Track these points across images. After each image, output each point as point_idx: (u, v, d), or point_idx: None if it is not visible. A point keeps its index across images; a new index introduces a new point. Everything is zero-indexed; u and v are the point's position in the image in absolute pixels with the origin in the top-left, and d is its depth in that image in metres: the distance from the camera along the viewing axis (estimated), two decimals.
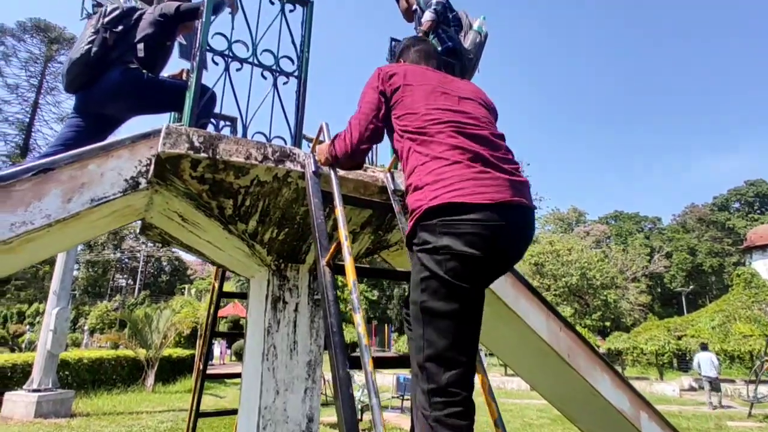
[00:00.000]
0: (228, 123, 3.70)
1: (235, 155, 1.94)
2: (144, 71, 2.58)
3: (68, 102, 22.15)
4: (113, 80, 2.51)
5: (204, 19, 2.10)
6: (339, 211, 1.71)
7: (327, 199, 1.93)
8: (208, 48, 2.10)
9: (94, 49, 2.48)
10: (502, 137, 1.58)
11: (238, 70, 2.20)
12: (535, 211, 1.52)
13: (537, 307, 3.42)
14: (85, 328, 30.35)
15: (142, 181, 2.18)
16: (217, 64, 2.14)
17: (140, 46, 2.60)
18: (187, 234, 2.82)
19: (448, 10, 3.20)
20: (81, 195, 2.07)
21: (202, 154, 1.89)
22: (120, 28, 2.58)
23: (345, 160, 1.79)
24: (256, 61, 2.21)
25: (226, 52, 2.17)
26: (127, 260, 40.71)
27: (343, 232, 1.62)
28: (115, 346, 17.75)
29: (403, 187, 2.29)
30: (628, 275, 40.75)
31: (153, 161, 2.00)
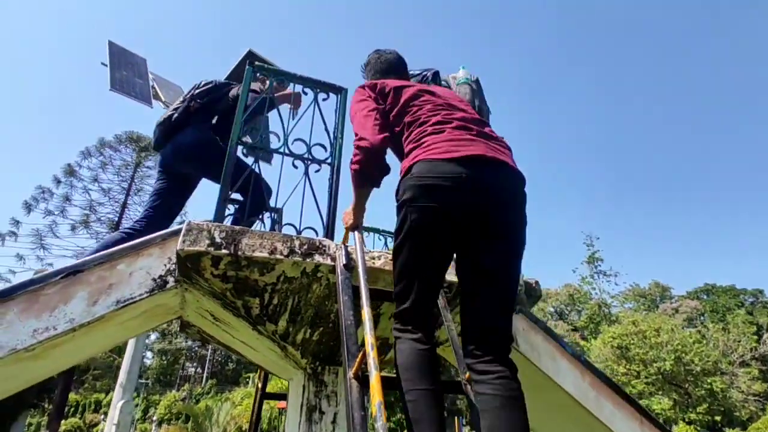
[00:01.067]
0: (274, 215, 3.68)
1: (258, 250, 1.79)
2: (215, 137, 2.71)
3: None
4: (185, 138, 2.73)
5: (237, 115, 2.09)
6: (366, 313, 1.44)
7: (356, 293, 1.69)
8: (239, 142, 2.05)
9: (176, 115, 2.75)
10: (486, 123, 1.71)
11: (269, 161, 2.13)
12: (522, 177, 1.56)
13: (626, 411, 2.84)
14: (154, 418, 30.60)
15: (170, 279, 2.07)
16: (246, 155, 2.08)
17: (216, 117, 2.86)
18: (222, 333, 2.65)
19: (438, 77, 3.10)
20: (107, 297, 1.98)
21: (224, 251, 1.74)
22: (206, 98, 2.83)
23: (370, 167, 1.66)
24: (287, 151, 2.13)
25: (257, 145, 2.11)
26: (196, 348, 41.80)
27: (369, 339, 1.34)
28: None
29: (448, 278, 2.01)
30: (734, 359, 35.43)
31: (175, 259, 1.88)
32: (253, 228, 2.75)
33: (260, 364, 3.00)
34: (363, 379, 1.37)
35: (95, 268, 2.00)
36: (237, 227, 1.81)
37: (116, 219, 23.72)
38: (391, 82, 1.81)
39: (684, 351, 29.71)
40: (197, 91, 2.87)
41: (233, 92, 2.85)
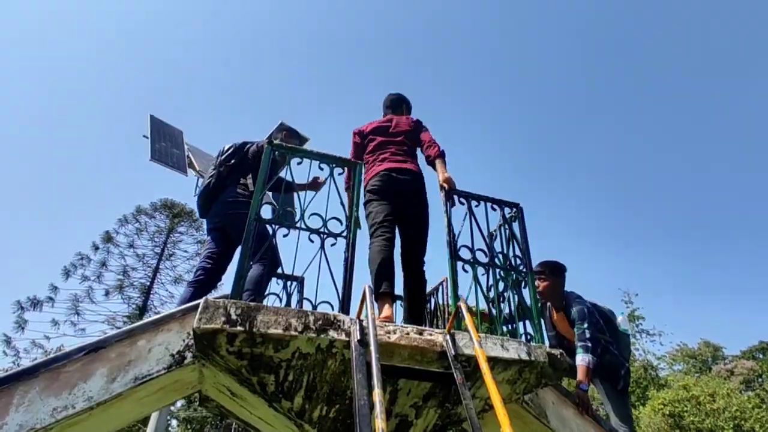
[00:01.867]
0: (296, 282, 3.71)
1: (273, 327, 1.79)
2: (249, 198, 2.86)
3: (183, 265, 24.74)
4: (226, 196, 2.97)
5: (255, 194, 2.19)
6: (377, 395, 1.40)
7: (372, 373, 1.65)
8: (256, 218, 2.13)
9: (213, 182, 3.01)
10: (407, 151, 3.15)
11: (285, 236, 2.19)
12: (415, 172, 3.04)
13: None
14: None
15: (188, 355, 2.09)
16: (265, 233, 2.15)
17: (243, 177, 3.10)
18: (239, 408, 2.60)
19: (597, 315, 3.34)
20: (125, 374, 2.00)
21: (239, 328, 1.76)
22: (232, 161, 3.07)
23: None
24: (303, 226, 2.19)
25: (275, 220, 2.18)
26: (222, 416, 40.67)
27: (379, 424, 1.30)
28: None
29: (467, 351, 1.95)
30: None
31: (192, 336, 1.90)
32: (266, 292, 2.79)
33: None
34: None
35: (116, 345, 2.04)
36: (252, 304, 1.83)
37: (148, 284, 24.29)
38: (368, 129, 3.29)
39: (743, 417, 26.96)
40: (223, 156, 3.13)
41: (252, 150, 3.13)
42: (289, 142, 3.37)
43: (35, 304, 21.35)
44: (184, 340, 2.11)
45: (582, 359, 2.84)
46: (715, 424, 28.23)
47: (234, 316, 1.78)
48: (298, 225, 2.19)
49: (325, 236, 2.21)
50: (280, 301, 3.29)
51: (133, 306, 23.30)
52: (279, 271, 2.98)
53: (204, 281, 2.70)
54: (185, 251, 25.90)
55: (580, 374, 2.79)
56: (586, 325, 3.00)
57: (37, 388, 1.85)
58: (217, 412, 3.00)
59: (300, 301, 3.45)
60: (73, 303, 21.89)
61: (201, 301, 1.83)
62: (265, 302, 2.71)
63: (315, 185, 3.48)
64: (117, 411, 2.19)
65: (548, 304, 3.47)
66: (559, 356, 2.20)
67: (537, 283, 3.34)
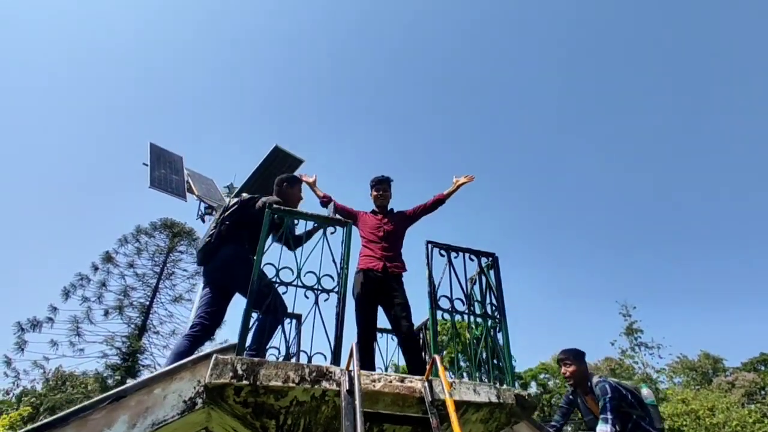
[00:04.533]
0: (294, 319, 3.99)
1: (274, 380, 2.08)
2: (250, 255, 3.09)
3: (182, 284, 24.88)
4: (225, 253, 3.17)
5: (258, 257, 2.49)
6: None
7: (364, 418, 1.94)
8: (258, 279, 2.43)
9: (212, 240, 3.22)
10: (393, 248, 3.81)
11: (284, 293, 2.48)
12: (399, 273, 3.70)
13: None
14: None
15: (199, 401, 2.37)
16: (266, 291, 2.44)
17: (248, 229, 3.26)
18: None
19: (624, 391, 3.63)
20: (144, 420, 2.27)
21: (244, 382, 2.05)
22: (235, 217, 3.29)
23: None
24: (300, 283, 2.50)
25: (275, 279, 2.48)
26: None
27: None
28: None
29: (442, 397, 2.24)
30: None
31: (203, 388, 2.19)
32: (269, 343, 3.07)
33: None
34: None
35: (135, 393, 2.32)
36: (256, 360, 2.12)
37: (147, 303, 24.43)
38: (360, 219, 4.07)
39: None
40: (227, 213, 3.34)
41: (258, 204, 3.34)
42: (289, 191, 3.63)
43: (35, 325, 21.43)
44: (194, 388, 2.40)
45: (600, 429, 3.17)
46: None
47: (240, 371, 2.07)
48: (294, 283, 2.49)
49: (319, 292, 2.51)
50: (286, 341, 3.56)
51: (133, 326, 23.45)
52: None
53: (199, 336, 2.93)
54: (185, 270, 26.01)
55: None
56: (607, 399, 3.31)
57: None
58: None
59: (297, 338, 3.73)
60: (73, 324, 21.99)
61: (213, 356, 2.12)
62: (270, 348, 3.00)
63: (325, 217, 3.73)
64: None
65: (578, 390, 3.78)
66: (527, 397, 2.49)
67: (563, 369, 3.73)
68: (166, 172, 10.58)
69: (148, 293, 24.52)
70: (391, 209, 4.15)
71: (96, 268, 23.95)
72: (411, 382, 2.29)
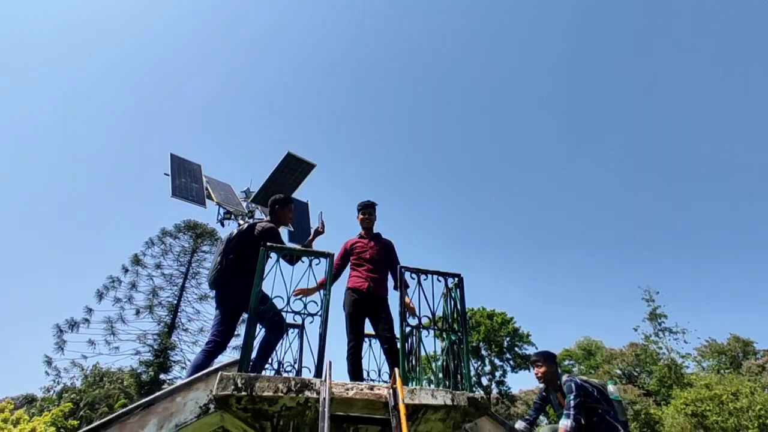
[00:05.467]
0: (296, 328, 4.57)
1: (266, 390, 2.65)
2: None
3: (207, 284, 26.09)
4: (235, 285, 3.70)
5: (254, 289, 3.05)
6: None
7: (337, 419, 2.49)
8: (255, 307, 2.99)
9: (220, 276, 3.77)
10: (378, 271, 4.30)
11: (280, 311, 3.03)
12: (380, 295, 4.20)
13: None
14: None
15: (212, 406, 2.96)
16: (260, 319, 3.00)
17: (248, 263, 3.67)
18: None
19: (591, 388, 4.10)
20: (169, 422, 2.87)
21: (243, 393, 2.61)
22: (238, 250, 3.81)
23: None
24: (289, 309, 3.05)
25: (264, 308, 3.04)
26: None
27: None
28: None
29: (401, 405, 2.77)
30: None
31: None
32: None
33: None
34: None
35: (162, 401, 2.92)
36: (253, 375, 2.69)
37: (175, 302, 25.64)
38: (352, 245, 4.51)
39: None
40: (231, 244, 3.88)
41: (256, 231, 3.89)
42: (280, 213, 4.16)
43: (72, 325, 22.83)
44: (208, 396, 2.99)
45: (562, 424, 3.70)
46: (738, 424, 27.95)
47: (240, 384, 2.64)
48: (285, 309, 3.04)
49: (305, 315, 3.06)
50: (278, 359, 4.12)
51: (162, 324, 24.72)
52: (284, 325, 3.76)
53: (213, 351, 3.52)
54: (209, 269, 27.16)
55: None
56: (572, 396, 3.81)
57: None
58: None
59: (300, 344, 4.30)
60: (108, 323, 23.33)
61: (219, 373, 2.69)
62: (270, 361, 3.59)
63: (317, 234, 4.25)
64: None
65: (549, 388, 4.27)
66: (479, 399, 3.00)
67: (535, 370, 4.26)
68: (186, 180, 11.30)
69: (176, 292, 25.73)
70: (378, 233, 4.61)
71: (126, 270, 25.22)
72: (378, 389, 2.82)
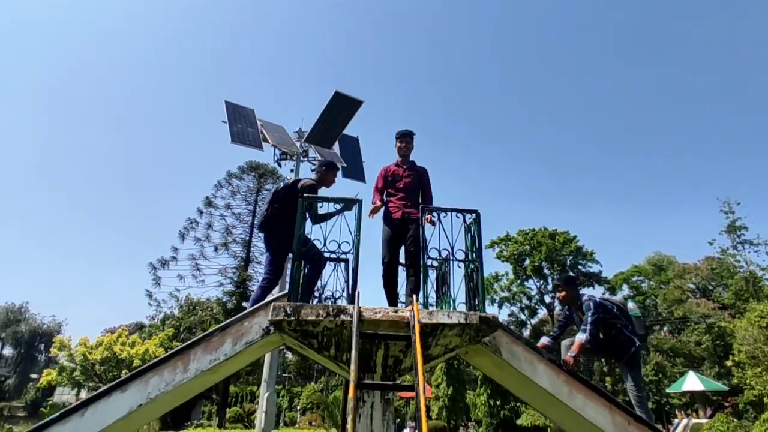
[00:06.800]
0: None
1: (310, 316, 3.29)
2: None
3: None
4: (280, 229, 4.39)
5: (296, 231, 3.63)
6: (353, 352, 2.84)
7: (369, 336, 3.13)
8: (298, 248, 3.59)
9: (266, 221, 4.47)
10: (410, 198, 4.70)
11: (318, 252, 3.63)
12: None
13: (597, 402, 3.78)
14: (298, 407, 35.22)
15: (271, 329, 3.70)
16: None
17: (291, 211, 4.25)
18: (307, 353, 4.25)
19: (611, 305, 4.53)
20: (241, 340, 3.66)
21: (292, 318, 3.28)
22: (282, 201, 4.45)
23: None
24: (326, 250, 3.62)
25: (305, 249, 3.63)
26: None
27: (354, 368, 2.74)
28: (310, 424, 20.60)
29: (424, 321, 3.32)
30: None
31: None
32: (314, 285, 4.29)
33: (333, 370, 4.56)
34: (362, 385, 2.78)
35: (234, 325, 3.70)
36: (299, 303, 3.34)
37: (247, 238, 27.97)
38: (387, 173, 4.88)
39: None
40: (277, 196, 4.50)
41: (300, 186, 4.45)
42: (325, 175, 4.70)
43: (164, 263, 25.86)
44: (268, 320, 3.72)
45: (578, 337, 4.17)
46: None
47: (289, 311, 3.30)
48: (323, 249, 3.63)
49: (339, 254, 3.63)
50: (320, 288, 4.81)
51: (239, 258, 27.30)
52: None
53: (267, 287, 4.25)
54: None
55: (574, 346, 4.12)
56: (590, 314, 4.24)
57: (200, 351, 3.56)
58: (297, 354, 4.73)
59: (347, 276, 4.97)
60: (192, 260, 26.14)
61: (272, 303, 3.37)
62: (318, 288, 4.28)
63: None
64: (240, 359, 3.92)
65: (572, 308, 4.67)
66: (491, 317, 3.48)
67: (558, 294, 4.72)
68: (242, 126, 12.03)
69: (246, 230, 28.01)
70: (413, 161, 4.94)
71: (201, 212, 27.59)
72: (402, 312, 3.39)
